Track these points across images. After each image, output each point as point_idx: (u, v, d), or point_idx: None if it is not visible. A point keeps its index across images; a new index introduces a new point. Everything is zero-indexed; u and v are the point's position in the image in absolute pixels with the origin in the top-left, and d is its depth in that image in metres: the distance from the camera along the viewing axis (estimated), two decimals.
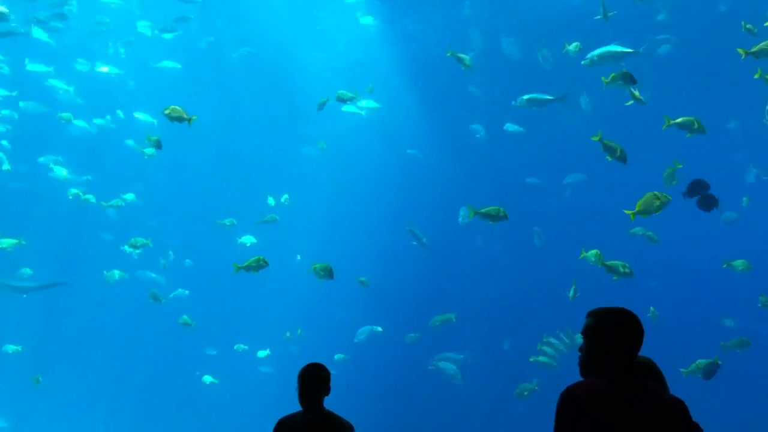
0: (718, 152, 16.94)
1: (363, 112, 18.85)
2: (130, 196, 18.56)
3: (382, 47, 19.82)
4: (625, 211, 10.98)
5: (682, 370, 13.44)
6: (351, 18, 19.12)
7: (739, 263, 15.07)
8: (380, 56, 19.98)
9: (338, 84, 17.45)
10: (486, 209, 12.60)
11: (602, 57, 13.67)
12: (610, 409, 3.58)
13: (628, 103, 12.39)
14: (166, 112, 12.43)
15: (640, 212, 10.90)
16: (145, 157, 16.32)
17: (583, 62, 13.92)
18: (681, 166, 13.53)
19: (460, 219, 17.17)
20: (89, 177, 19.38)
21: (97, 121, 19.30)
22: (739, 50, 11.52)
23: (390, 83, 19.55)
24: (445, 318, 17.53)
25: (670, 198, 11.06)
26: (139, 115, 18.83)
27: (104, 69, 18.92)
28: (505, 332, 19.09)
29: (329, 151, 19.88)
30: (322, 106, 17.05)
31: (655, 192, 11.02)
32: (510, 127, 17.59)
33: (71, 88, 18.77)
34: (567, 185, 18.54)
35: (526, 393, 16.20)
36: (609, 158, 11.96)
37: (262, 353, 19.66)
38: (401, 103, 20.24)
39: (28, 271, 19.37)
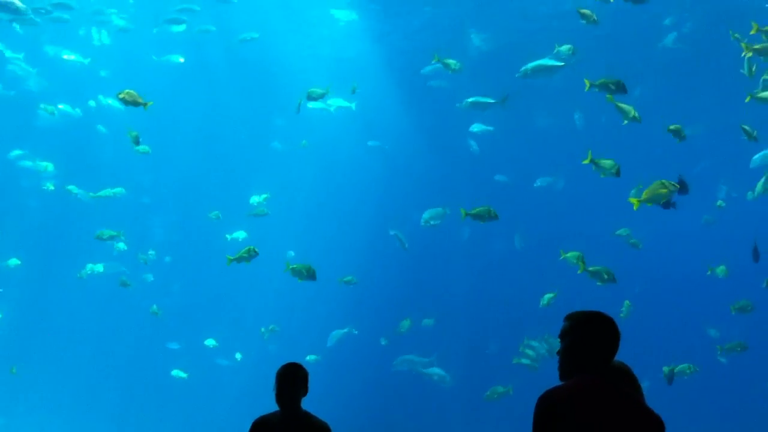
0: (686, 161, 16.94)
1: (332, 109, 18.71)
2: (119, 190, 18.34)
3: (362, 42, 19.65)
4: (630, 200, 10.44)
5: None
6: (330, 13, 18.99)
7: (720, 269, 15.21)
8: (360, 51, 19.82)
9: (318, 80, 17.28)
10: (476, 210, 12.50)
11: (535, 70, 13.71)
12: (588, 412, 3.55)
13: (624, 122, 11.92)
14: (121, 96, 11.86)
15: (646, 201, 10.27)
16: (140, 154, 16.15)
17: (517, 74, 13.96)
18: (642, 186, 13.42)
19: (422, 221, 16.53)
20: (60, 169, 19.17)
21: (65, 107, 19.01)
22: (743, 45, 11.36)
23: (370, 78, 19.37)
24: (409, 324, 17.44)
25: (678, 186, 10.56)
26: (110, 101, 18.54)
27: (70, 57, 18.62)
28: (486, 335, 19.07)
29: (309, 147, 19.77)
30: (298, 107, 16.87)
31: (662, 180, 10.40)
32: (476, 127, 17.41)
33: (34, 70, 18.46)
34: (539, 187, 18.34)
35: (496, 396, 15.99)
36: (603, 176, 11.66)
37: (238, 355, 19.60)
38: (382, 99, 20.08)
39: (16, 261, 19.16)
